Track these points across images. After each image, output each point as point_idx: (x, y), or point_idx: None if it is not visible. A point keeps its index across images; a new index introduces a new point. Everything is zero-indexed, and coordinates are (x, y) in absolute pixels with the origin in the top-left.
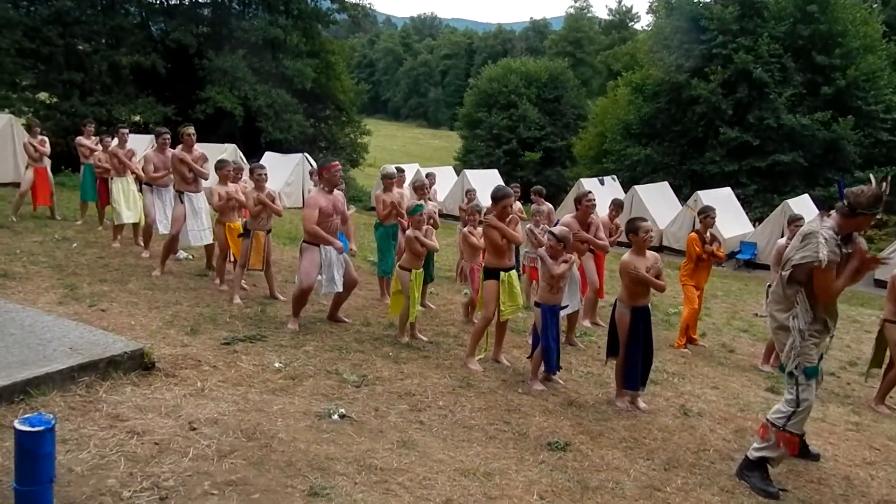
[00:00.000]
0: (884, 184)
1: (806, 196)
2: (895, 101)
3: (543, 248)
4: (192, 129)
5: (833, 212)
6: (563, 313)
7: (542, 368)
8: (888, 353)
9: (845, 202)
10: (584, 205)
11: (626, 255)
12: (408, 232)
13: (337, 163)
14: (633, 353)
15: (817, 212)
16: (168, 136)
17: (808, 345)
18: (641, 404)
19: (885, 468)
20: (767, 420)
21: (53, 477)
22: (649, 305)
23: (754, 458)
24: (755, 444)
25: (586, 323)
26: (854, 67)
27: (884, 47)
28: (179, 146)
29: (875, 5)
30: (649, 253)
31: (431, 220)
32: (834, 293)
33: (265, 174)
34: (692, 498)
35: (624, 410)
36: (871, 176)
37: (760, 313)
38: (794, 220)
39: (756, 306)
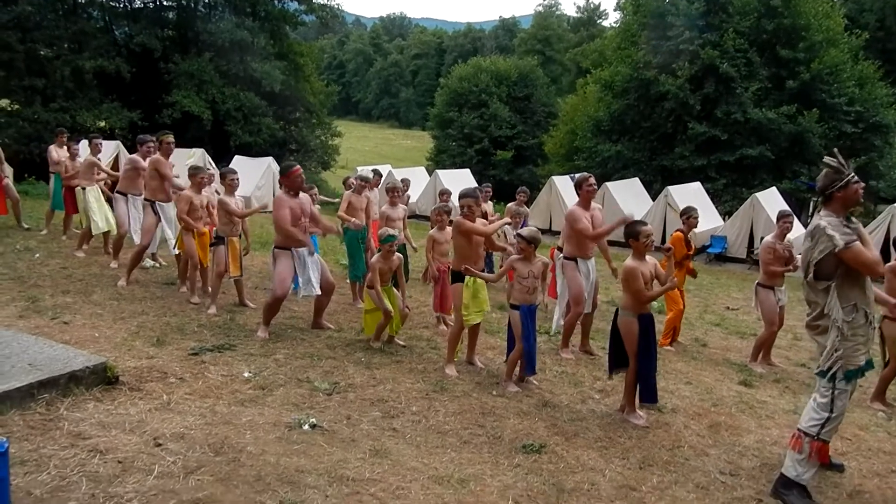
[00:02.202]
0: (831, 158)
1: (774, 189)
2: (858, 94)
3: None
4: (171, 138)
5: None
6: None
7: (517, 369)
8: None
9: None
10: (585, 190)
11: (629, 260)
12: (373, 259)
13: (298, 167)
14: (646, 364)
15: (785, 204)
16: (153, 144)
17: (853, 345)
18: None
19: (857, 458)
20: (799, 430)
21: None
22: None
23: (793, 478)
24: (790, 459)
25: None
26: (817, 61)
27: (845, 41)
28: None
29: None
30: (648, 258)
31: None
32: (874, 263)
33: (237, 179)
34: (667, 496)
35: (641, 427)
36: (825, 160)
37: (732, 307)
38: (784, 217)
39: (727, 300)
